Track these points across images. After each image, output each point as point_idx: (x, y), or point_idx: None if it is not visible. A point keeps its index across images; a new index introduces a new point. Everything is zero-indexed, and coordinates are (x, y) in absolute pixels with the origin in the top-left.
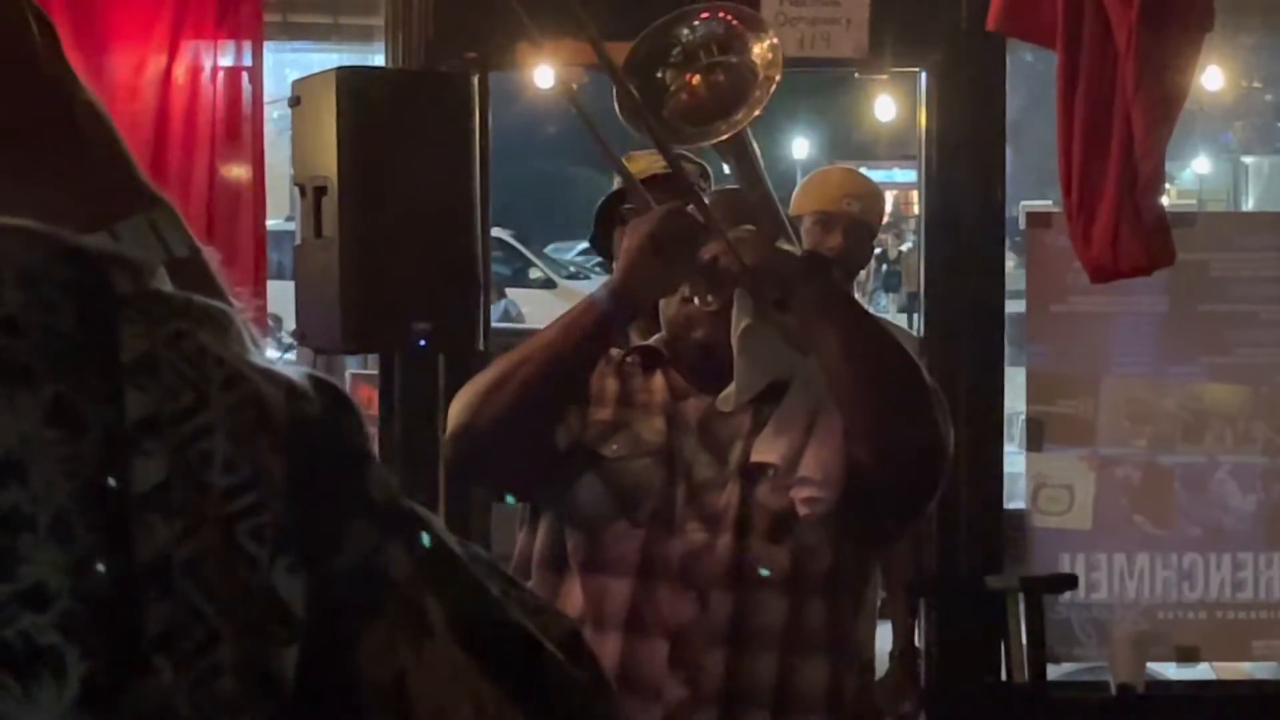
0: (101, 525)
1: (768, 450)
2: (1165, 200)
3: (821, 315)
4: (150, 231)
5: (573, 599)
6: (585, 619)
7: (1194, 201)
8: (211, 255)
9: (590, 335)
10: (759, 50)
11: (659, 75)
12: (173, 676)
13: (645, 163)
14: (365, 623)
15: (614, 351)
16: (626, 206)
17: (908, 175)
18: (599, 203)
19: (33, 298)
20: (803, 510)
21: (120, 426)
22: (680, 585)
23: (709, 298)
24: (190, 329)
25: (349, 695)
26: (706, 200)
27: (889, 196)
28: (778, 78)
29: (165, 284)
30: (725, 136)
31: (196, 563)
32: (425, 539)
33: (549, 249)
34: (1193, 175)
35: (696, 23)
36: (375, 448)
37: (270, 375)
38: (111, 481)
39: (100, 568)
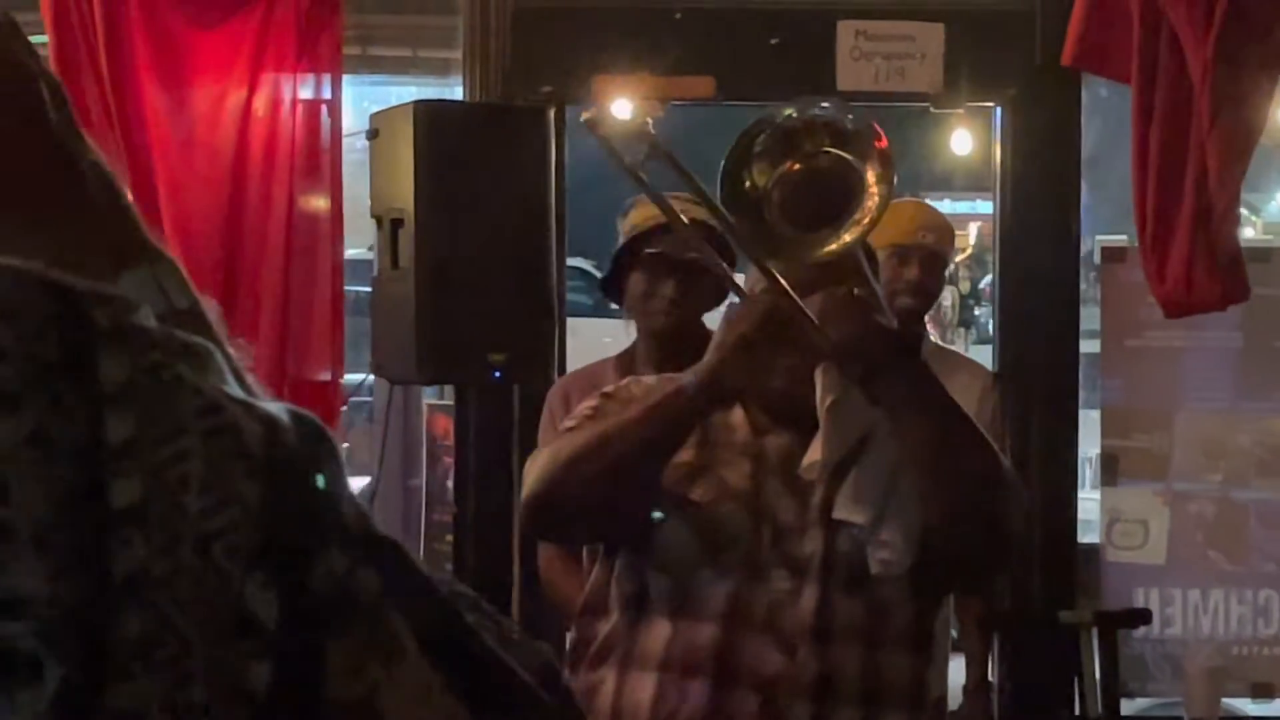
0: (79, 540)
1: (851, 509)
2: (1250, 233)
3: (906, 401)
4: (153, 283)
5: (655, 641)
6: (668, 662)
7: (1274, 236)
8: (211, 307)
9: (677, 423)
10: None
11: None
12: (147, 684)
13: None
14: (336, 641)
15: (684, 376)
16: (648, 250)
17: (989, 207)
18: (616, 249)
19: (17, 329)
20: (875, 569)
21: (99, 449)
22: (768, 635)
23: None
24: (169, 361)
25: (318, 710)
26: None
27: (972, 228)
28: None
29: (148, 321)
30: (833, 247)
31: (171, 577)
32: (398, 565)
33: None
34: (1279, 208)
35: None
36: (348, 478)
37: (248, 407)
38: (89, 499)
39: (77, 579)
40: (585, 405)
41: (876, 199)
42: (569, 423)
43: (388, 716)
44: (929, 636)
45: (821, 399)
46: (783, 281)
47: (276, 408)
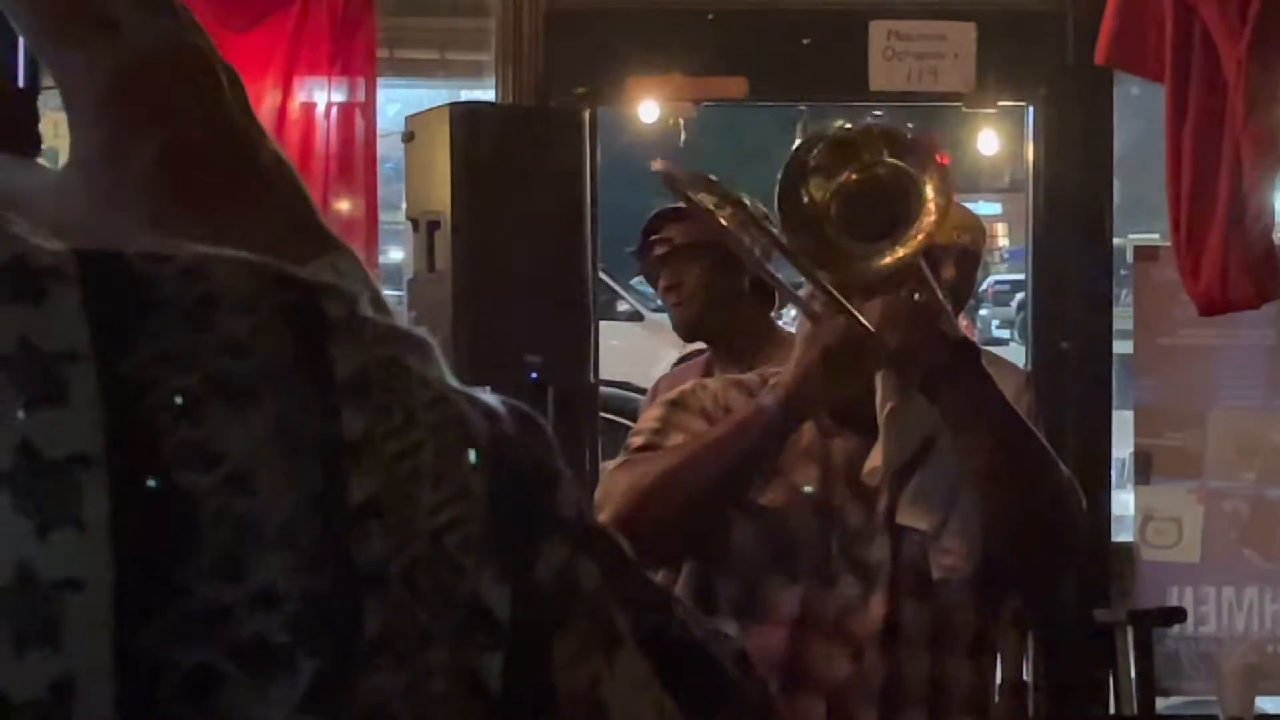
0: (323, 534)
1: (915, 515)
2: None
3: (964, 408)
4: (333, 272)
5: None
6: None
7: None
8: (388, 296)
9: (760, 445)
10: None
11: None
12: (391, 676)
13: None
14: (562, 631)
15: (751, 380)
16: (654, 237)
17: (993, 209)
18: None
19: (253, 322)
20: (938, 573)
21: (337, 442)
22: (837, 641)
23: None
24: (398, 353)
25: (548, 700)
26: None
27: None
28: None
29: (370, 311)
30: (890, 261)
31: (410, 571)
32: (613, 555)
33: (634, 281)
34: None
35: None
36: (564, 468)
37: (470, 398)
38: (330, 493)
39: (324, 573)
40: (651, 414)
41: (935, 213)
42: (635, 437)
43: (609, 705)
44: (991, 642)
45: (881, 405)
46: (838, 296)
47: (494, 399)
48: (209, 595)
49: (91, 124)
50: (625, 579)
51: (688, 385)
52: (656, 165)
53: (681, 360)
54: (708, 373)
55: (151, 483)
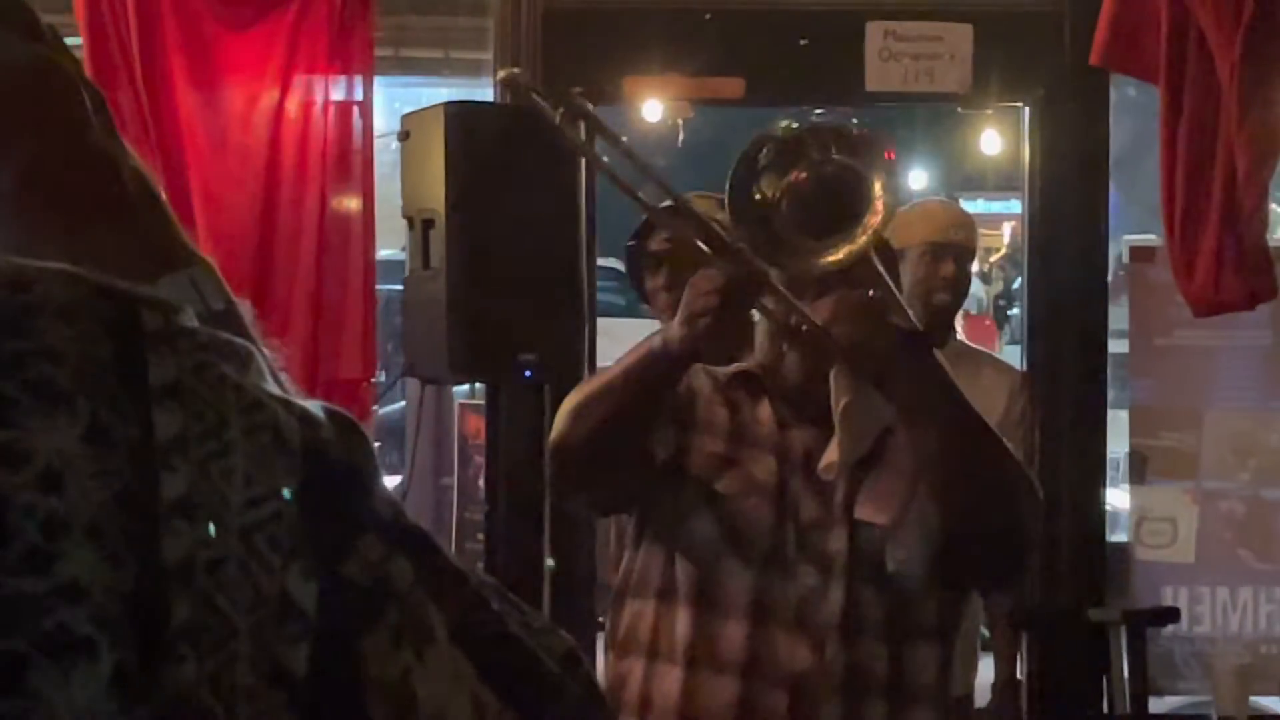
0: (131, 530)
1: (873, 510)
2: (1279, 232)
3: (917, 403)
4: (190, 286)
5: (680, 631)
6: (695, 656)
7: None
8: (246, 309)
9: (652, 387)
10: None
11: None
12: (196, 665)
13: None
14: (371, 625)
15: (718, 373)
16: (652, 250)
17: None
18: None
19: (72, 331)
20: (892, 566)
21: (148, 444)
22: (797, 632)
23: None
24: (213, 361)
25: (355, 691)
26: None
27: (1006, 227)
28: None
29: (192, 322)
30: (839, 257)
31: (217, 565)
32: (429, 555)
33: None
34: None
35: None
36: (380, 472)
37: (287, 404)
38: (140, 492)
39: (130, 567)
40: None
41: (882, 209)
42: None
43: (419, 698)
44: (953, 627)
45: (835, 400)
46: (775, 283)
47: (313, 404)
48: (16, 586)
49: None
50: (442, 578)
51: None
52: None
53: None
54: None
55: None
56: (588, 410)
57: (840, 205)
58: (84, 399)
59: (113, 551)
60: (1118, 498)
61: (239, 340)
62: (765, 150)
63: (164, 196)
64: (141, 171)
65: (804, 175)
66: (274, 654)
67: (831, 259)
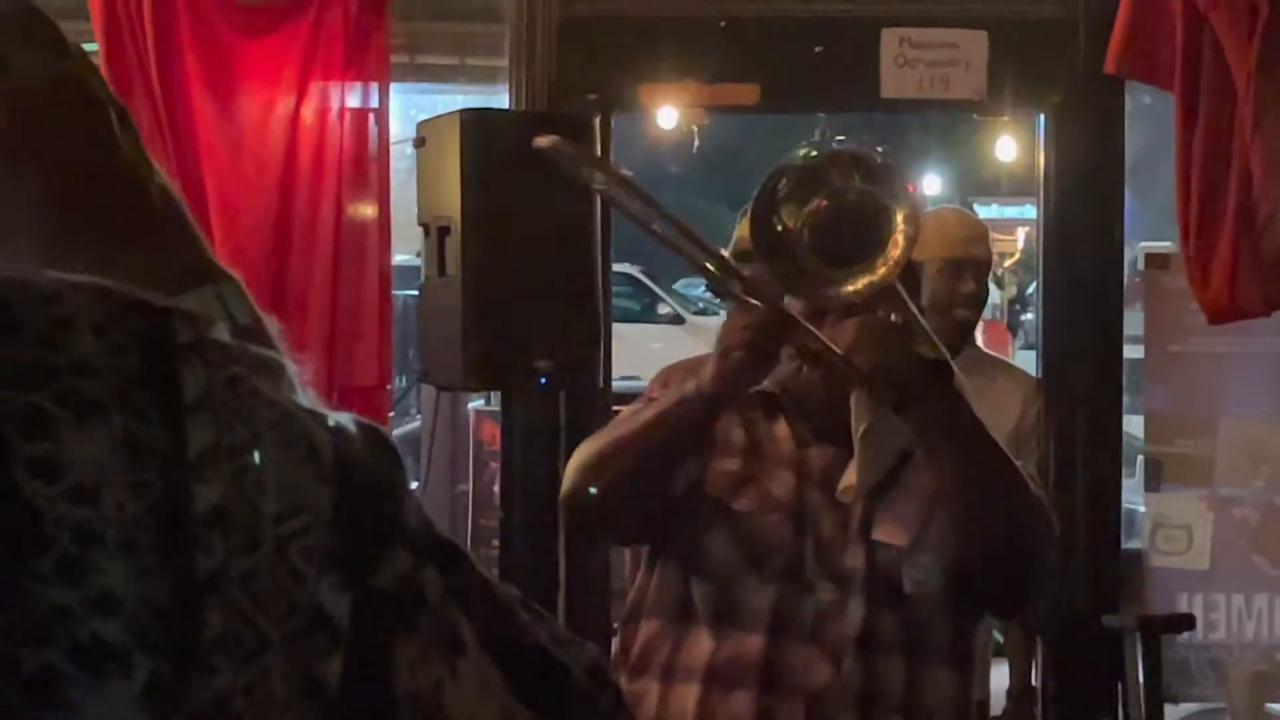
0: (164, 542)
1: (890, 531)
2: None
3: (936, 429)
4: (217, 301)
5: (699, 651)
6: (712, 672)
7: None
8: (272, 324)
9: (680, 431)
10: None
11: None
12: (229, 677)
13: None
14: (403, 637)
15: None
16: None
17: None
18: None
19: (104, 344)
20: (908, 587)
21: (181, 456)
22: (814, 647)
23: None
24: (245, 374)
25: (387, 702)
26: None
27: (1020, 233)
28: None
29: (224, 335)
30: (860, 288)
31: (250, 577)
32: (459, 566)
33: (678, 284)
34: None
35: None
36: (410, 484)
37: (317, 416)
38: (173, 504)
39: (163, 579)
40: (646, 399)
41: (903, 243)
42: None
43: (451, 710)
44: (969, 652)
45: (855, 424)
46: (800, 319)
47: (344, 417)
48: (51, 597)
49: None
50: (472, 589)
51: (675, 363)
52: (540, 142)
53: None
54: None
55: None
56: (605, 464)
57: (862, 232)
58: (117, 411)
59: (146, 563)
60: (1132, 505)
61: (270, 353)
62: (785, 180)
63: (189, 212)
64: (168, 188)
65: (824, 203)
66: (306, 666)
67: (852, 289)
